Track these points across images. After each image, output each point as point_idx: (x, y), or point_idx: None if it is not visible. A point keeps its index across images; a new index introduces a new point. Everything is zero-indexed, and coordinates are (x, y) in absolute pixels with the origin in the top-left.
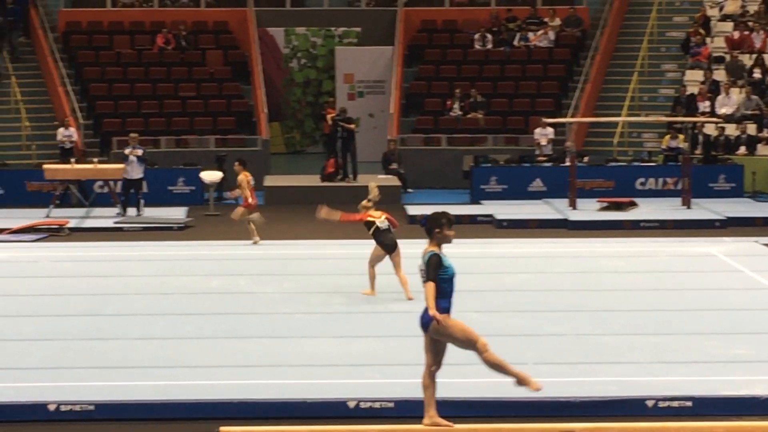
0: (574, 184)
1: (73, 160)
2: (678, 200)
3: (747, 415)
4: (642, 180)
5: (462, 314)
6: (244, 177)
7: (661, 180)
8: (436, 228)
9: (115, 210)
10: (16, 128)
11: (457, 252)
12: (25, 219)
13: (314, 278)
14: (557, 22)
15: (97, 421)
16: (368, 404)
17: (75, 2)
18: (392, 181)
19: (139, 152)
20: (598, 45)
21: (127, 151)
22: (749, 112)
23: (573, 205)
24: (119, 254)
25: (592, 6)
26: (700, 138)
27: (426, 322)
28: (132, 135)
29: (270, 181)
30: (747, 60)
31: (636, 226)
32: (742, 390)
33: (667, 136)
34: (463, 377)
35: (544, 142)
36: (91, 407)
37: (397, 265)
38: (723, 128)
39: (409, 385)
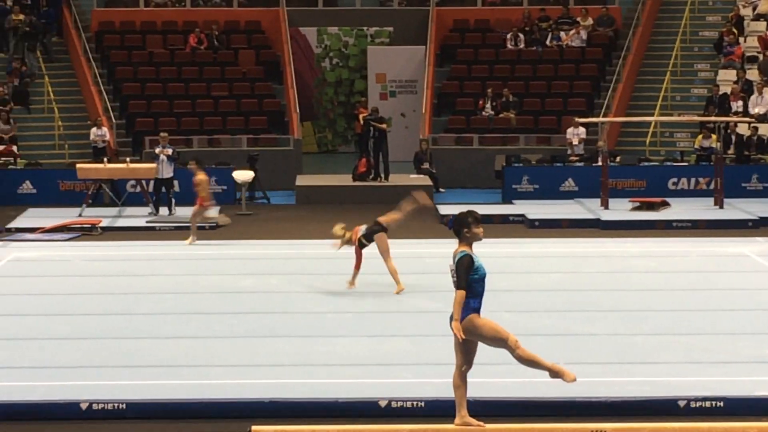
0: (606, 184)
1: (105, 159)
2: (710, 200)
3: None
4: (674, 180)
5: (493, 314)
6: (204, 177)
7: (693, 180)
8: (464, 228)
9: (147, 209)
10: (49, 128)
11: (488, 252)
12: (58, 218)
13: (345, 278)
14: (589, 21)
15: (128, 420)
16: (399, 404)
17: (108, 2)
18: (424, 180)
19: (169, 151)
20: (630, 44)
21: (157, 150)
22: None
23: (605, 205)
24: (151, 253)
25: (624, 5)
26: (733, 138)
27: None
28: (162, 134)
29: (301, 180)
30: None
31: (668, 226)
32: None
33: (700, 136)
34: (493, 377)
35: (576, 141)
36: (123, 406)
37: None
38: (756, 128)
39: (440, 385)
